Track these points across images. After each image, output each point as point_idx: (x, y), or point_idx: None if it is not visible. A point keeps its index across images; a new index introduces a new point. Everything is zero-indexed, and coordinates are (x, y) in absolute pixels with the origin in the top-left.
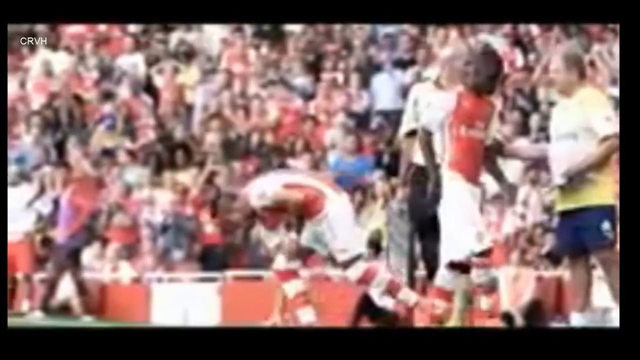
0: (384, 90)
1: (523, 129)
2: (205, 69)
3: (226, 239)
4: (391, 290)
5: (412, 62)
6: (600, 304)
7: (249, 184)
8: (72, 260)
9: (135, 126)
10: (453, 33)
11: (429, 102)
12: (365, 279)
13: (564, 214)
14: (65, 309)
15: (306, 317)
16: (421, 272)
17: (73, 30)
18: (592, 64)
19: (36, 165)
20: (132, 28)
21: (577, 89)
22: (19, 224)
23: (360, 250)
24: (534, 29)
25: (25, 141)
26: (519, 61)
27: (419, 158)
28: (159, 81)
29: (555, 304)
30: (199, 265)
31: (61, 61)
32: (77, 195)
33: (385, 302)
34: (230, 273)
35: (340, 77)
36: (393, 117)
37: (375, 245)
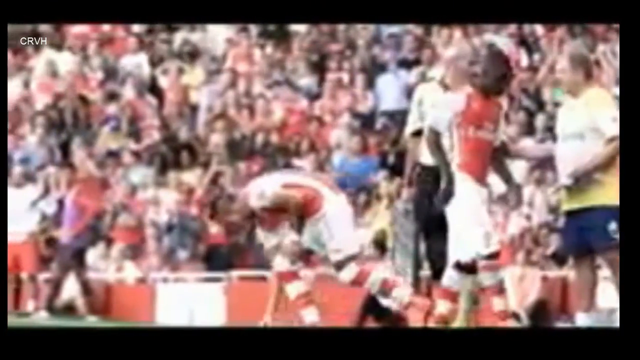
0: (388, 90)
1: (528, 129)
2: (209, 69)
3: (231, 239)
4: (385, 290)
5: (416, 62)
6: (606, 305)
7: (248, 184)
8: (77, 260)
9: (139, 127)
10: (457, 33)
11: (438, 102)
12: (359, 281)
13: (570, 214)
14: (70, 309)
15: (310, 317)
16: (426, 272)
17: (77, 30)
18: (597, 63)
19: (41, 165)
20: (136, 28)
21: (583, 89)
22: (24, 224)
23: (355, 251)
24: (539, 29)
25: (29, 141)
26: (524, 61)
27: (424, 158)
28: (163, 81)
29: (560, 304)
30: (204, 265)
31: (65, 61)
32: (82, 196)
33: (390, 303)
34: (235, 273)
35: (345, 77)
36: (398, 117)
37: (380, 246)
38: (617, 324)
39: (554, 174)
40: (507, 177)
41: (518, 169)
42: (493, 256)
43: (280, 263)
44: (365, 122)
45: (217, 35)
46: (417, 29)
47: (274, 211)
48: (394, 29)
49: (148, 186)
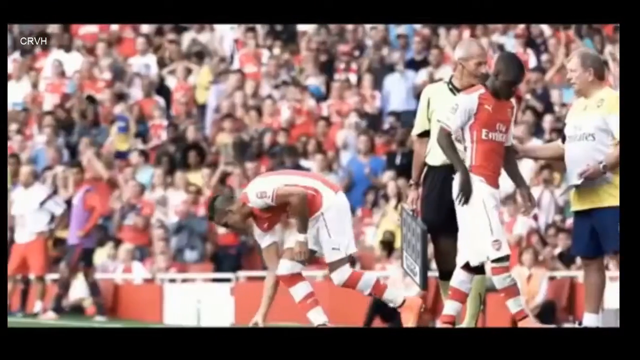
0: (396, 90)
1: (536, 130)
2: (217, 69)
3: (239, 239)
4: (377, 292)
5: (424, 62)
6: (614, 305)
7: (248, 185)
8: (85, 260)
9: (147, 127)
10: (465, 33)
11: (450, 104)
12: (350, 284)
13: (580, 214)
14: (78, 310)
15: (318, 317)
16: (435, 272)
17: (86, 31)
18: (605, 64)
19: (49, 165)
20: (145, 29)
21: (595, 89)
22: (32, 225)
23: (352, 252)
24: (547, 29)
25: (38, 142)
26: (532, 62)
27: (431, 158)
28: (171, 82)
29: (568, 305)
30: (212, 266)
31: (74, 62)
32: (90, 196)
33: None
34: (243, 273)
35: (352, 77)
36: (405, 118)
37: (388, 246)
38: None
39: (562, 175)
40: (520, 182)
41: (525, 169)
42: (503, 260)
43: (284, 267)
44: (373, 122)
45: (224, 36)
46: (425, 30)
47: (276, 210)
48: (402, 29)
49: (156, 186)
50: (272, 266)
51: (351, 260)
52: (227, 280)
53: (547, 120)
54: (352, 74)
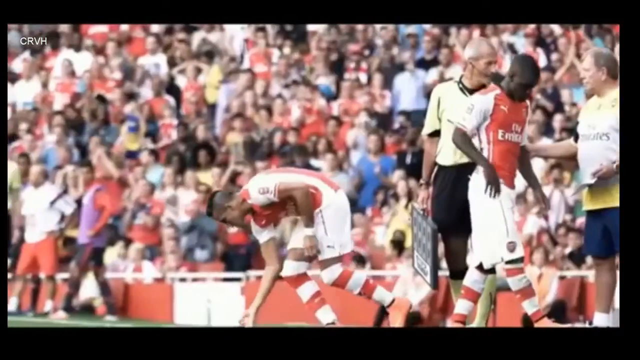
0: (406, 90)
1: (546, 129)
2: (227, 69)
3: (249, 239)
4: (366, 291)
5: (434, 62)
6: None
7: (248, 182)
8: (95, 260)
9: (157, 126)
10: (475, 33)
11: (465, 105)
12: (340, 283)
13: (592, 214)
14: (88, 309)
15: (326, 316)
16: (445, 272)
17: (96, 30)
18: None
19: (59, 165)
20: (155, 28)
21: (608, 89)
22: (42, 224)
23: (349, 250)
24: (557, 29)
25: (48, 141)
26: (542, 61)
27: (441, 158)
28: (181, 81)
29: (578, 305)
30: (223, 265)
31: (84, 61)
32: (100, 196)
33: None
34: (253, 273)
35: (363, 77)
36: (415, 117)
37: (398, 245)
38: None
39: (572, 174)
40: (534, 183)
41: (535, 168)
42: (518, 261)
43: (289, 268)
44: (383, 121)
45: (235, 36)
46: (435, 29)
47: (274, 208)
48: (412, 29)
49: (166, 186)
50: (271, 261)
51: (361, 259)
52: (238, 279)
53: (557, 120)
54: (363, 74)
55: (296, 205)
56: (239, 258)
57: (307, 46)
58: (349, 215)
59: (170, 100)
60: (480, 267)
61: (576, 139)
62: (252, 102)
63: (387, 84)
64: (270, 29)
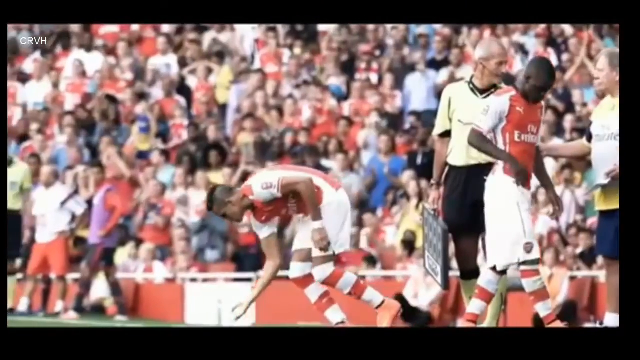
0: (417, 90)
1: (557, 129)
2: (238, 69)
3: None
4: (356, 291)
5: (445, 62)
6: None
7: (250, 178)
8: (106, 260)
9: (168, 126)
10: (486, 33)
11: (481, 107)
12: (330, 282)
13: (605, 214)
14: (99, 309)
15: (335, 316)
16: (456, 272)
17: (106, 30)
18: None
19: (70, 165)
20: (165, 28)
21: None
22: (53, 225)
23: (346, 249)
24: (568, 29)
25: (59, 141)
26: (552, 61)
27: (452, 158)
28: (192, 81)
29: (589, 305)
30: (233, 266)
31: (95, 62)
32: (111, 196)
33: (420, 303)
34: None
35: (373, 77)
36: (426, 118)
37: (409, 245)
38: None
39: (583, 174)
40: (548, 184)
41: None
42: (534, 263)
43: (296, 269)
44: (394, 122)
45: (245, 36)
46: (445, 30)
47: (276, 204)
48: (423, 29)
49: (177, 186)
50: (272, 257)
51: (372, 259)
52: (249, 280)
53: (568, 120)
54: (373, 74)
55: (298, 202)
56: (250, 258)
57: (317, 46)
58: (349, 215)
59: (181, 100)
60: (494, 268)
61: (589, 139)
62: (262, 102)
63: (398, 84)
64: (281, 29)
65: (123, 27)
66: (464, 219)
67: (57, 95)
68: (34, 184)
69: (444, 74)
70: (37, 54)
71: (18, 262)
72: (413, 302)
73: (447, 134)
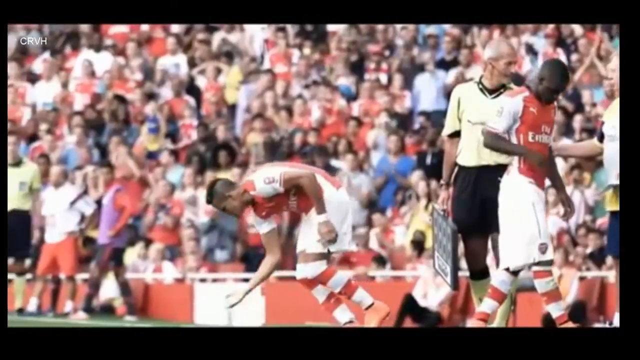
0: (426, 90)
1: (566, 130)
2: (248, 69)
3: None
4: (347, 291)
5: (454, 62)
6: None
7: (251, 174)
8: (116, 260)
9: (178, 126)
10: (496, 33)
11: (495, 107)
12: (321, 280)
13: (616, 214)
14: (108, 310)
15: (343, 316)
16: (466, 272)
17: (116, 30)
18: None
19: (79, 165)
20: (175, 28)
21: None
22: (62, 225)
23: (337, 249)
24: (577, 29)
25: (68, 142)
26: None
27: (462, 159)
28: (201, 82)
29: (598, 305)
30: (243, 266)
31: (104, 62)
32: (120, 196)
33: (429, 303)
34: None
35: (383, 77)
36: (436, 118)
37: (418, 245)
38: None
39: (592, 174)
40: (560, 186)
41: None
42: (547, 263)
43: (300, 270)
44: (403, 122)
45: (255, 36)
46: (455, 30)
47: (277, 200)
48: (433, 29)
49: (186, 186)
50: (272, 252)
51: (381, 260)
52: None
53: (577, 120)
54: (383, 74)
55: (299, 199)
56: (259, 258)
57: (327, 46)
58: (350, 215)
59: (191, 100)
60: (507, 269)
61: (601, 139)
62: (272, 102)
63: (407, 84)
64: (291, 29)
65: (132, 27)
66: (473, 219)
67: (66, 95)
68: (43, 184)
69: (453, 74)
70: (46, 54)
71: (27, 262)
72: (422, 302)
73: (456, 134)
